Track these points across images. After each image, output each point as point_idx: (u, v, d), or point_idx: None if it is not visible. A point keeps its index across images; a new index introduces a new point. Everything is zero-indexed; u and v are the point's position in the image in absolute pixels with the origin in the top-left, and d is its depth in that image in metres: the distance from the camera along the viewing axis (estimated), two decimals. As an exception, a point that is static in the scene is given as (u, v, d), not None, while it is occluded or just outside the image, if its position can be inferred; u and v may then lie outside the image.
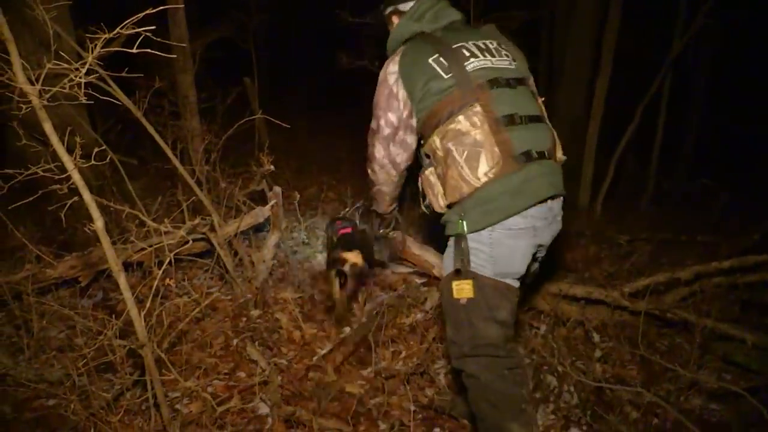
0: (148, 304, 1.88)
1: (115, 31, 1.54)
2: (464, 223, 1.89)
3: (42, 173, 1.63)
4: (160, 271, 1.93)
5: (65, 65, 1.50)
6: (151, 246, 2.53)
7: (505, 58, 2.01)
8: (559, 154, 2.06)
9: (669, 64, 5.67)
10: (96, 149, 1.69)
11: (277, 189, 3.31)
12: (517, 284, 2.00)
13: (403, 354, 2.91)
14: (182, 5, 3.92)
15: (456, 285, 1.94)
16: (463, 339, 1.98)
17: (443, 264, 2.08)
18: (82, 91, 1.54)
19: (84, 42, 1.66)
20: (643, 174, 6.68)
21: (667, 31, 5.90)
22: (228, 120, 4.03)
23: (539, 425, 2.39)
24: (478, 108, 1.86)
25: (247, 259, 3.33)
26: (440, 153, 1.93)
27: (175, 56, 4.21)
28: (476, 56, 1.94)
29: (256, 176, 3.49)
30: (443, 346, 2.91)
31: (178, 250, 2.18)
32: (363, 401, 2.53)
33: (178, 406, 2.41)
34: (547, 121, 2.03)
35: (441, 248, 2.15)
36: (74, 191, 1.59)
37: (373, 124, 2.13)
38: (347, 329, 3.10)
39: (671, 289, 3.11)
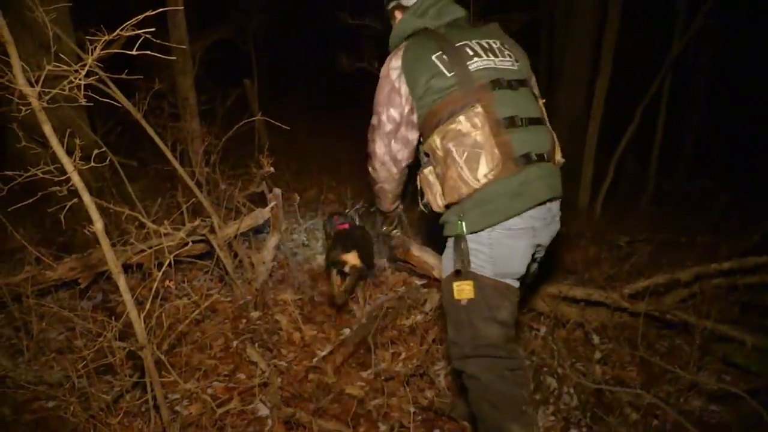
0: (147, 306, 1.88)
1: (114, 33, 1.54)
2: (463, 223, 1.89)
3: (42, 175, 1.63)
4: (160, 273, 1.93)
5: (65, 67, 1.50)
6: (150, 248, 2.53)
7: (508, 58, 2.00)
8: (558, 157, 2.06)
9: (669, 65, 5.68)
10: (96, 151, 1.69)
11: (277, 191, 3.32)
12: (517, 284, 2.00)
13: (403, 355, 2.91)
14: (182, 7, 3.93)
15: (456, 286, 1.94)
16: (464, 340, 1.98)
17: (442, 265, 2.07)
18: (82, 93, 1.54)
19: (84, 44, 1.67)
20: (643, 174, 6.69)
21: (667, 31, 5.91)
22: (228, 122, 4.04)
23: (539, 427, 2.39)
24: (479, 109, 1.85)
25: (246, 261, 3.32)
26: (440, 153, 1.92)
27: (174, 58, 4.22)
28: (479, 56, 1.93)
29: (255, 178, 3.49)
30: (443, 347, 2.91)
31: (177, 252, 2.18)
32: (363, 403, 2.53)
33: (177, 408, 2.41)
34: (547, 123, 2.03)
35: (440, 249, 2.14)
36: (74, 193, 1.59)
37: (374, 121, 2.11)
38: (347, 330, 3.10)
39: (671, 291, 3.12)
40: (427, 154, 2.05)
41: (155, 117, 4.06)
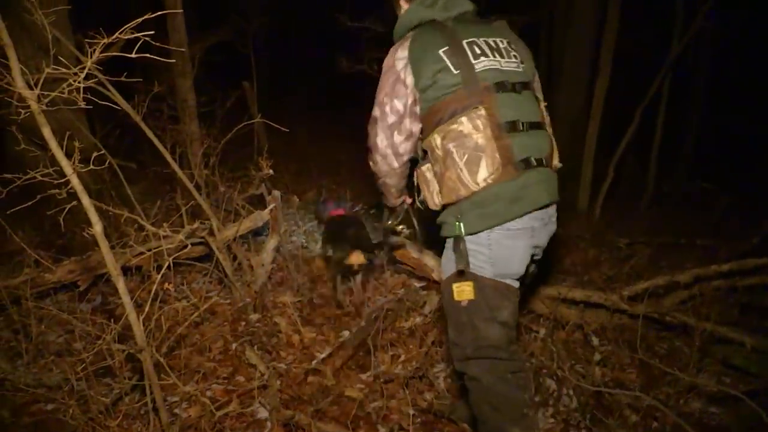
0: (146, 309, 1.88)
1: (114, 36, 1.54)
2: (461, 225, 1.89)
3: (41, 178, 1.63)
4: (159, 276, 1.93)
5: (64, 70, 1.50)
6: (149, 250, 2.53)
7: (514, 59, 1.97)
8: (556, 161, 2.05)
9: (668, 65, 5.68)
10: (95, 153, 1.70)
11: (276, 193, 3.32)
12: (517, 284, 1.99)
13: (402, 358, 2.91)
14: (181, 10, 3.93)
15: (456, 287, 1.94)
16: (466, 341, 1.98)
17: (442, 266, 2.07)
18: (81, 95, 1.54)
19: (83, 46, 1.67)
20: (643, 175, 6.69)
21: (666, 31, 5.91)
22: (227, 124, 4.03)
23: (540, 429, 2.39)
24: (482, 111, 1.84)
25: (246, 263, 3.32)
26: (439, 152, 1.91)
27: (174, 61, 4.22)
28: (486, 55, 1.91)
29: (255, 180, 3.50)
30: (442, 349, 2.91)
31: (176, 255, 2.18)
32: (362, 405, 2.53)
33: (176, 411, 2.41)
34: (547, 128, 2.03)
35: (439, 249, 2.13)
36: (73, 196, 1.59)
37: (376, 112, 2.05)
38: (346, 333, 3.10)
39: (670, 293, 3.12)
40: (425, 151, 2.03)
41: (154, 119, 4.06)
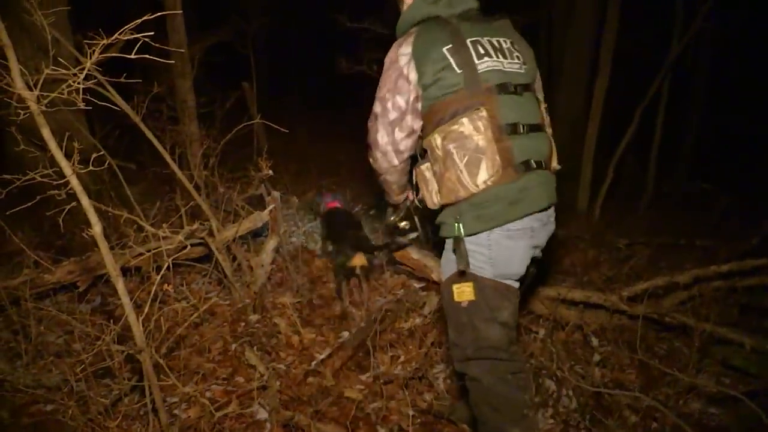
0: (146, 309, 1.88)
1: (113, 37, 1.54)
2: (460, 226, 1.89)
3: (40, 178, 1.63)
4: (159, 276, 1.93)
5: (63, 70, 1.50)
6: (149, 251, 2.53)
7: (517, 60, 1.96)
8: (555, 163, 2.05)
9: (668, 65, 5.67)
10: (94, 154, 1.70)
11: (276, 193, 3.32)
12: (517, 285, 2.00)
13: (402, 358, 2.90)
14: (180, 11, 3.93)
15: (456, 288, 1.94)
16: (466, 342, 1.98)
17: (441, 267, 2.07)
18: (81, 96, 1.54)
19: (82, 47, 1.67)
20: (643, 175, 6.69)
21: (666, 31, 5.90)
22: (227, 124, 4.04)
23: (540, 430, 2.39)
24: (483, 113, 1.83)
25: (245, 264, 3.32)
26: (439, 152, 1.90)
27: (173, 61, 4.22)
28: (489, 56, 1.89)
29: (254, 181, 3.50)
30: (442, 350, 2.91)
31: (176, 255, 2.18)
32: (362, 406, 2.53)
33: (176, 412, 2.41)
34: (547, 130, 2.02)
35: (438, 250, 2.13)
36: (72, 196, 1.59)
37: (377, 108, 2.02)
38: (346, 334, 3.10)
39: (670, 293, 3.12)
40: (425, 150, 2.02)
41: (154, 120, 4.06)
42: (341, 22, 5.32)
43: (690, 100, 8.62)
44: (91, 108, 1.67)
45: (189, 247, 2.99)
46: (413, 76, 1.91)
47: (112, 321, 2.50)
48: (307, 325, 3.18)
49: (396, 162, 2.09)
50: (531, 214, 1.87)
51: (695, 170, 8.10)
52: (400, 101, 1.95)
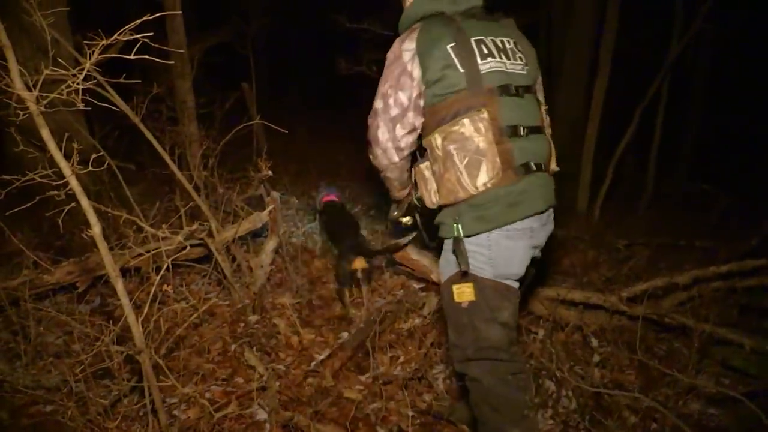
0: (145, 310, 1.88)
1: (113, 38, 1.54)
2: (459, 226, 1.88)
3: (39, 179, 1.63)
4: (158, 277, 1.93)
5: (63, 71, 1.50)
6: (148, 251, 2.53)
7: (519, 61, 1.95)
8: (553, 165, 2.05)
9: (668, 66, 5.67)
10: (94, 155, 1.70)
11: (275, 194, 3.32)
12: (516, 285, 1.99)
13: (402, 359, 2.90)
14: (180, 12, 3.93)
15: (456, 288, 1.94)
16: (466, 342, 1.97)
17: (440, 268, 2.07)
18: (80, 97, 1.54)
19: (82, 48, 1.67)
20: (642, 176, 6.68)
21: (666, 31, 5.90)
22: (226, 125, 4.04)
23: (539, 431, 2.38)
24: (485, 114, 1.82)
25: (245, 265, 3.32)
26: (439, 152, 1.90)
27: (173, 62, 4.22)
28: (492, 56, 1.88)
29: (254, 181, 3.50)
30: (441, 351, 2.91)
31: (175, 256, 2.18)
32: (361, 407, 2.53)
33: (175, 412, 2.40)
34: (547, 132, 2.02)
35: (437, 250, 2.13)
36: (72, 197, 1.59)
37: (379, 105, 1.99)
38: (345, 334, 3.10)
39: (669, 294, 3.12)
40: (424, 149, 2.01)
41: (153, 121, 4.06)
42: (341, 22, 5.32)
43: (690, 100, 8.62)
44: (90, 108, 1.67)
45: (188, 247, 2.99)
46: (417, 72, 1.89)
47: (111, 322, 2.50)
48: (306, 325, 3.18)
49: (396, 159, 2.07)
50: (530, 216, 1.87)
51: (695, 171, 8.10)
52: (403, 97, 1.93)
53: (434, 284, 3.17)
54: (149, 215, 3.58)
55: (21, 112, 1.48)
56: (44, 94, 1.47)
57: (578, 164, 5.74)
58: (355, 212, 4.68)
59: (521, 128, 1.86)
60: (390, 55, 1.97)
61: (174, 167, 2.98)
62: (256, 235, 3.64)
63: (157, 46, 1.57)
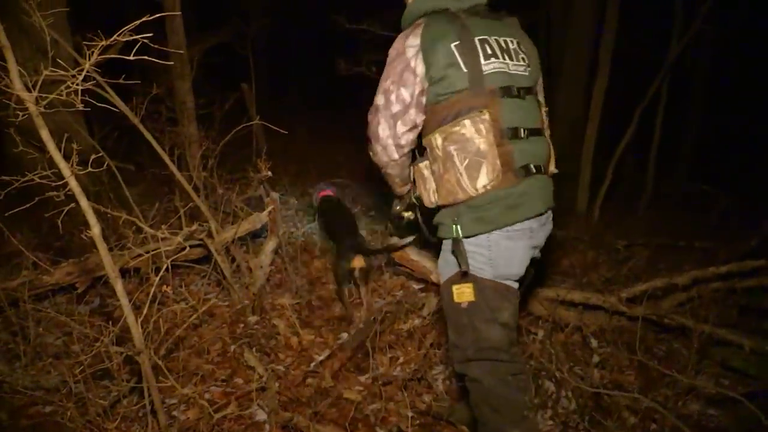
0: (145, 311, 1.88)
1: (112, 38, 1.54)
2: (458, 227, 1.88)
3: (39, 180, 1.63)
4: (157, 278, 1.93)
5: (62, 72, 1.50)
6: (148, 252, 2.53)
7: (522, 62, 1.94)
8: (552, 167, 2.04)
9: (668, 66, 5.67)
10: (93, 155, 1.69)
11: (275, 195, 3.32)
12: (516, 285, 1.99)
13: (401, 360, 2.90)
14: (179, 12, 3.93)
15: (456, 289, 1.93)
16: (466, 343, 1.97)
17: (439, 268, 2.06)
18: (79, 97, 1.54)
19: (81, 49, 1.66)
20: (642, 176, 6.68)
21: (665, 31, 5.90)
22: (226, 126, 4.03)
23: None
24: (486, 116, 1.81)
25: (244, 265, 3.32)
26: (439, 152, 1.89)
27: (172, 63, 4.22)
28: (496, 56, 1.86)
29: (253, 182, 3.50)
30: (441, 351, 2.91)
31: (175, 257, 2.18)
32: (361, 407, 2.53)
33: (175, 413, 2.40)
34: (546, 134, 2.02)
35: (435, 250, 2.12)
36: (71, 198, 1.59)
37: (380, 101, 1.96)
38: (345, 335, 3.10)
39: (669, 295, 3.12)
40: (424, 148, 2.00)
41: (153, 121, 4.06)
42: (340, 23, 5.32)
43: (689, 100, 8.62)
44: (90, 109, 1.66)
45: (188, 248, 2.99)
46: (420, 69, 1.87)
47: (110, 322, 2.49)
48: (306, 326, 3.18)
49: (396, 156, 2.05)
50: (530, 218, 1.87)
51: (695, 171, 8.10)
52: (405, 94, 1.90)
53: (434, 285, 3.17)
54: (149, 216, 3.58)
55: (20, 113, 1.48)
56: (44, 95, 1.47)
57: (578, 164, 5.73)
58: (355, 213, 4.66)
59: (522, 130, 1.86)
60: (393, 50, 1.95)
61: (173, 168, 2.98)
62: (256, 235, 3.64)
63: (156, 46, 1.57)
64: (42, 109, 1.47)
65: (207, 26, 7.75)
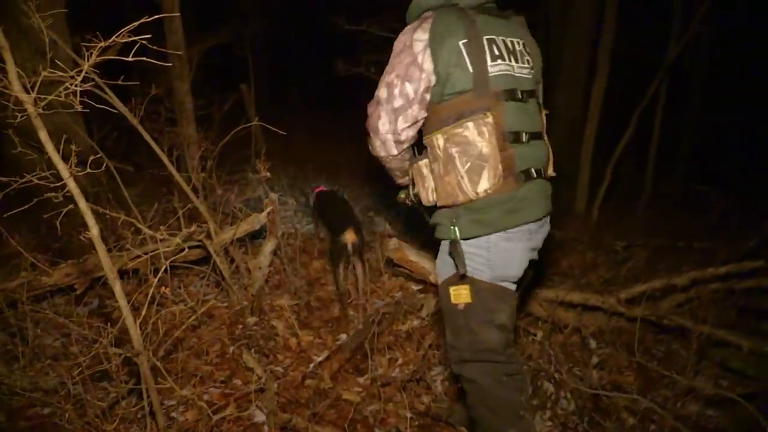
0: (143, 312, 1.87)
1: (111, 39, 1.54)
2: (456, 229, 1.87)
3: (37, 181, 1.63)
4: (156, 279, 1.93)
5: (61, 73, 1.50)
6: (146, 253, 2.52)
7: (526, 65, 1.93)
8: (550, 170, 2.04)
9: (666, 67, 5.67)
10: (92, 156, 1.69)
11: (274, 195, 3.31)
12: (514, 287, 1.98)
13: (400, 361, 2.90)
14: (178, 13, 3.93)
15: (453, 290, 1.93)
16: (463, 344, 1.97)
17: (437, 269, 2.05)
18: (78, 98, 1.54)
19: (80, 50, 1.66)
20: (641, 176, 6.69)
21: (664, 31, 5.90)
22: (224, 127, 4.04)
23: (537, 432, 2.39)
24: (489, 119, 1.79)
25: (243, 267, 3.32)
26: (440, 153, 1.87)
27: (171, 63, 4.22)
28: (502, 58, 1.84)
29: (252, 183, 3.50)
30: (439, 352, 2.91)
31: (174, 258, 2.17)
32: (359, 408, 2.52)
33: (173, 415, 2.40)
34: (545, 137, 2.01)
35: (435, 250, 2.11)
36: (70, 199, 1.59)
37: (382, 93, 1.91)
38: (343, 336, 3.10)
39: (667, 296, 3.12)
40: (424, 146, 1.98)
41: (152, 122, 4.07)
42: (339, 24, 5.33)
43: (688, 100, 8.63)
44: (88, 110, 1.66)
45: (187, 249, 2.97)
46: (428, 64, 1.82)
47: (109, 324, 2.49)
48: (304, 327, 3.18)
49: (395, 152, 2.01)
50: (529, 222, 1.87)
51: (694, 171, 8.11)
52: (409, 89, 1.86)
53: (432, 286, 3.17)
54: (147, 217, 3.58)
55: (19, 114, 1.48)
56: (42, 96, 1.47)
57: (577, 165, 5.73)
58: (355, 213, 4.66)
59: (523, 134, 1.85)
60: (399, 43, 1.90)
61: (172, 169, 2.98)
62: (255, 236, 3.64)
63: (155, 47, 1.57)
64: (41, 110, 1.47)
65: (206, 27, 7.75)
